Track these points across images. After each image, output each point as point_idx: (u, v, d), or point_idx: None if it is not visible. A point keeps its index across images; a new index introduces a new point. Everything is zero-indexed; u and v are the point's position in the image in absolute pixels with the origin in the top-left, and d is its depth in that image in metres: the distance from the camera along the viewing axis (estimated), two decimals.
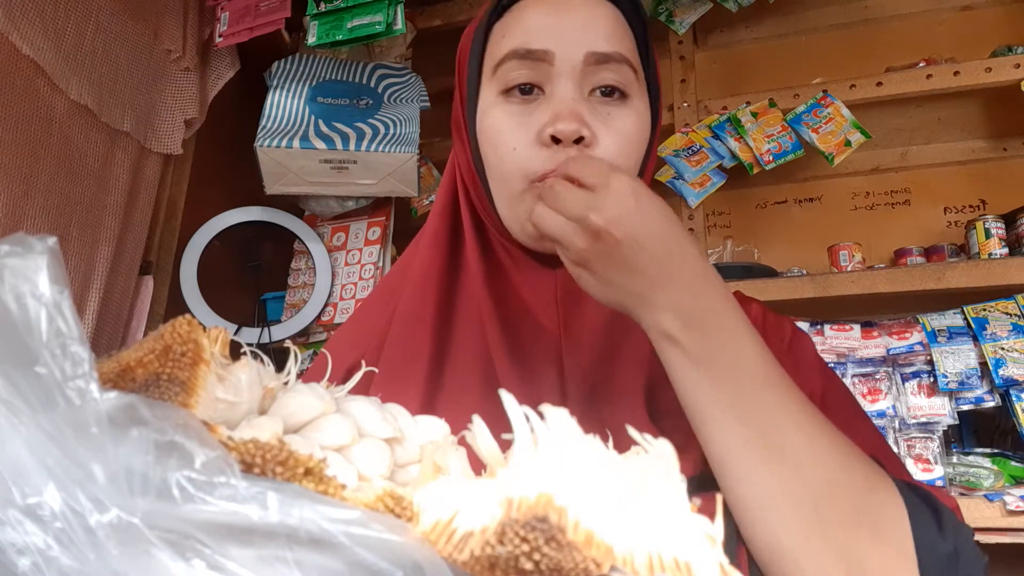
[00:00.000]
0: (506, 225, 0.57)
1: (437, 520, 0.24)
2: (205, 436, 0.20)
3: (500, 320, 0.56)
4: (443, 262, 0.60)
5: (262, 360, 0.31)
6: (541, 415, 0.26)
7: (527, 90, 0.56)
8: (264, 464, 0.22)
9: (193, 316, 0.29)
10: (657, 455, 0.26)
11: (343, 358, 0.59)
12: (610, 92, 0.56)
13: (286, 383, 0.32)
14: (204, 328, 0.29)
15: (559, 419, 0.26)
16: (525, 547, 0.22)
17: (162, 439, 0.19)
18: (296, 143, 1.39)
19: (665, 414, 0.53)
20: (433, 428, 0.34)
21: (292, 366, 0.31)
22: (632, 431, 0.28)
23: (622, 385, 0.54)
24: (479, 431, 0.28)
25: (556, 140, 0.53)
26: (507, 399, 0.27)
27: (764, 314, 0.63)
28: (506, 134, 0.55)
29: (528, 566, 0.22)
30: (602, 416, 0.52)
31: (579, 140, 0.53)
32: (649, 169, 0.60)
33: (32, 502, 0.18)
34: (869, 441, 0.53)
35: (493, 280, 0.58)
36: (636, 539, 0.23)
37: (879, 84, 1.49)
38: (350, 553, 0.20)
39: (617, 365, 0.55)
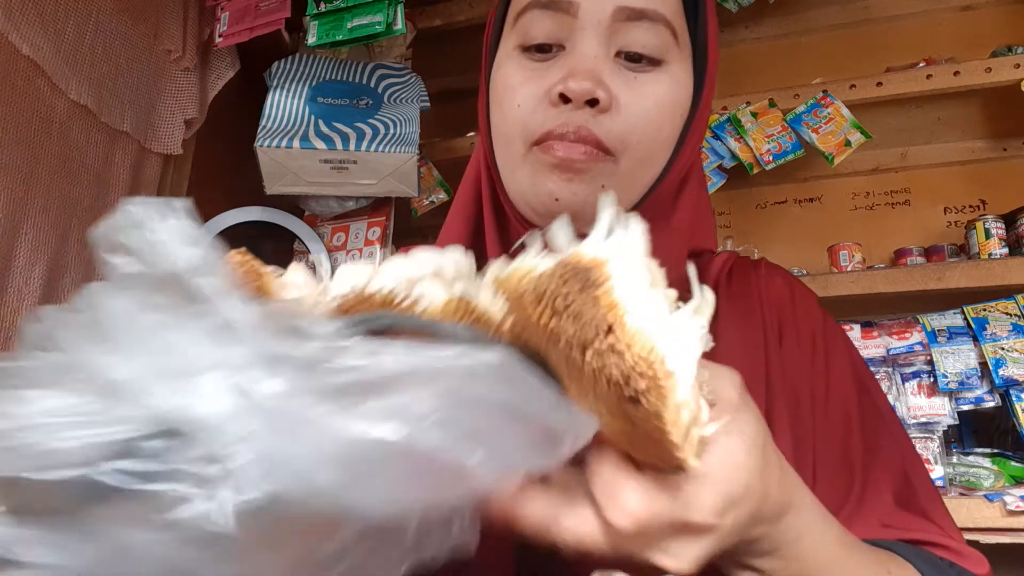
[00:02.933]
0: (509, 196, 0.52)
1: (515, 267, 0.28)
2: (314, 317, 0.25)
3: None
4: (465, 236, 0.56)
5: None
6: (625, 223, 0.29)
7: (547, 48, 0.50)
8: (374, 312, 0.28)
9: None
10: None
11: None
12: (639, 57, 0.49)
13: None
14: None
15: (638, 229, 0.28)
16: (564, 288, 0.25)
17: (287, 325, 0.24)
18: (296, 143, 1.39)
19: None
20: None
21: (327, 266, 0.36)
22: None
23: None
24: (559, 226, 0.29)
25: (566, 100, 0.47)
26: (605, 200, 0.29)
27: (792, 290, 0.57)
28: (515, 89, 0.50)
29: (559, 304, 0.26)
30: None
31: (594, 103, 0.46)
32: (689, 147, 0.53)
33: (201, 385, 0.22)
34: (901, 472, 0.51)
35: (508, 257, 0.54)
36: (663, 343, 0.26)
37: (879, 84, 1.49)
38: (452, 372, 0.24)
39: None
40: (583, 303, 0.25)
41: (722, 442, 0.31)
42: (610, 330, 0.25)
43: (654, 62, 0.49)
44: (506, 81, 0.51)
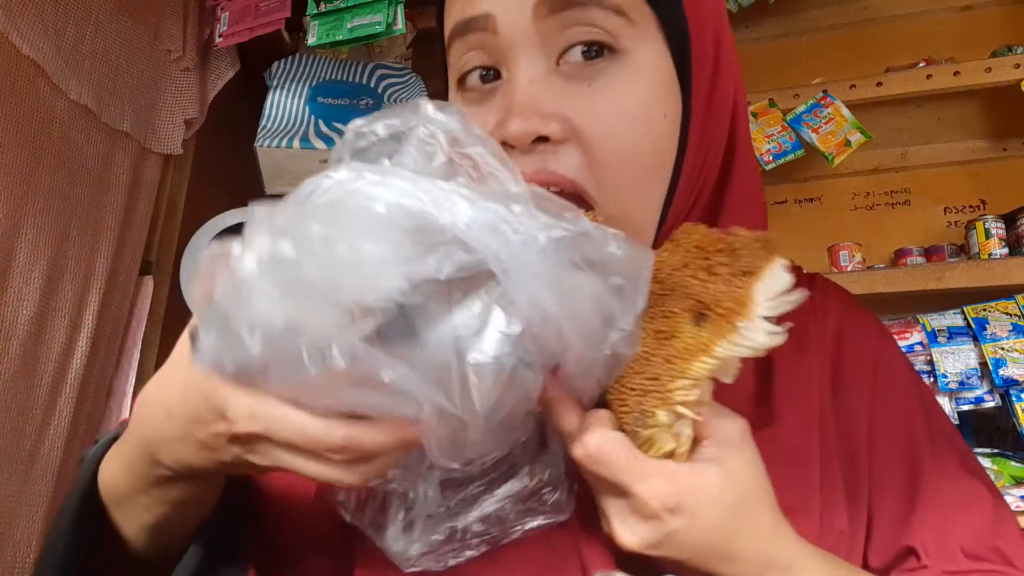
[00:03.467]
0: None
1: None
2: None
3: None
4: None
5: None
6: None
7: (487, 74, 0.43)
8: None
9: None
10: None
11: None
12: (588, 52, 0.40)
13: None
14: None
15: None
16: (749, 241, 0.35)
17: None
18: (296, 143, 1.39)
19: None
20: None
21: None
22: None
23: None
24: None
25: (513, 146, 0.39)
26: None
27: (850, 317, 0.51)
28: None
29: (735, 243, 0.35)
30: None
31: (544, 138, 0.39)
32: (695, 145, 0.42)
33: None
34: (982, 516, 0.46)
35: None
36: None
37: (879, 84, 1.49)
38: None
39: None
40: (754, 250, 0.34)
41: (702, 464, 0.34)
42: (747, 273, 0.33)
43: (608, 52, 0.40)
44: None
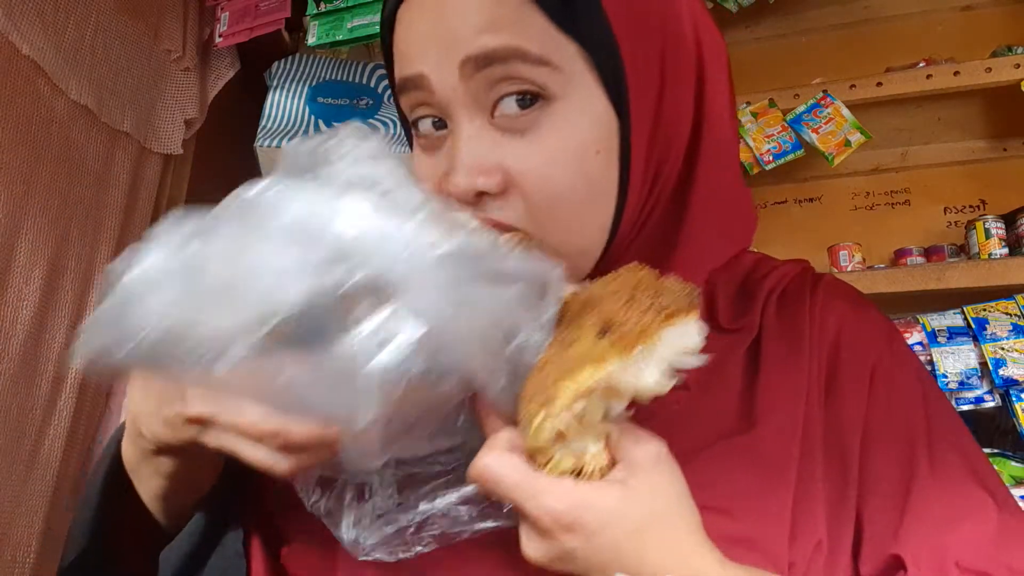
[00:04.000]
0: None
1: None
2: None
3: None
4: None
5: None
6: None
7: (438, 122, 0.45)
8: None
9: None
10: None
11: None
12: (524, 100, 0.41)
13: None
14: None
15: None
16: (666, 283, 0.36)
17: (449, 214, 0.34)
18: None
19: (712, 459, 0.46)
20: None
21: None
22: None
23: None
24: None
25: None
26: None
27: (856, 317, 0.50)
28: (420, 180, 0.46)
29: (659, 285, 0.36)
30: None
31: (487, 194, 0.42)
32: (639, 173, 0.44)
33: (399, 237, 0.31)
34: (985, 527, 0.44)
35: None
36: None
37: (879, 84, 1.49)
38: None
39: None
40: (677, 297, 0.35)
41: (604, 484, 0.35)
42: (659, 312, 0.33)
43: (540, 99, 0.41)
44: (416, 172, 0.47)
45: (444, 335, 0.30)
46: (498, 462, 0.35)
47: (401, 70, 0.45)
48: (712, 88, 0.49)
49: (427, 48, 0.42)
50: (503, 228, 0.42)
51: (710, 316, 0.49)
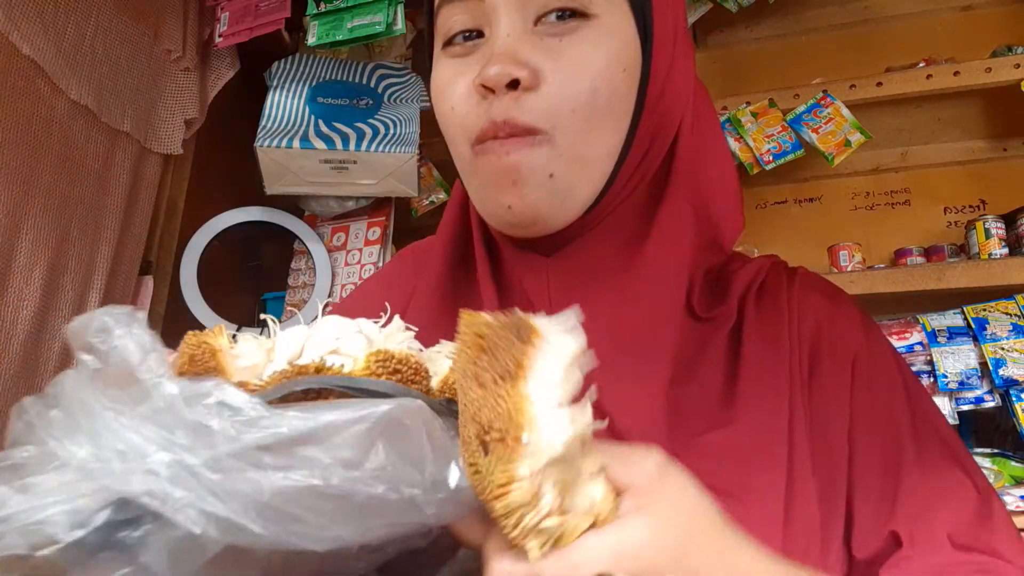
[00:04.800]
0: (475, 205, 0.51)
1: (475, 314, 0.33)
2: (236, 392, 0.28)
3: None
4: (454, 251, 0.56)
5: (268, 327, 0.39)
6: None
7: (470, 35, 0.48)
8: (280, 385, 0.31)
9: (199, 322, 0.36)
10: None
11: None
12: (562, 15, 0.45)
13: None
14: (204, 329, 0.36)
15: (578, 329, 0.33)
16: (501, 331, 0.30)
17: (213, 402, 0.28)
18: (296, 143, 1.39)
19: (690, 451, 0.45)
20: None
21: (276, 328, 0.39)
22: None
23: (640, 424, 0.45)
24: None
25: (490, 89, 0.44)
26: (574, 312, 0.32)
27: (832, 311, 0.53)
28: (444, 91, 0.48)
29: (491, 339, 0.30)
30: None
31: (516, 84, 0.44)
32: (651, 109, 0.47)
33: (149, 463, 0.26)
34: (965, 505, 0.46)
35: (496, 270, 0.53)
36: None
37: (879, 84, 1.49)
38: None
39: (629, 397, 0.46)
40: (508, 343, 0.30)
41: (624, 522, 0.31)
42: (506, 377, 0.29)
43: (579, 16, 0.45)
44: (437, 84, 0.49)
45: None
46: (511, 570, 0.30)
47: None
48: (701, 102, 0.53)
49: None
50: (524, 130, 0.44)
51: (687, 305, 0.50)
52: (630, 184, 0.49)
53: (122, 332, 0.31)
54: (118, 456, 0.27)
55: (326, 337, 0.36)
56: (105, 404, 0.28)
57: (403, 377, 0.33)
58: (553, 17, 0.45)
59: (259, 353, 0.35)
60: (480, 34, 0.47)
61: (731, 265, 0.55)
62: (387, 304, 0.44)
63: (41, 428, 0.29)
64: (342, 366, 0.33)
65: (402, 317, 0.40)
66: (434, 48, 0.51)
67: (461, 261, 0.56)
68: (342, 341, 0.35)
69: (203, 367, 0.33)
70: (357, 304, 0.65)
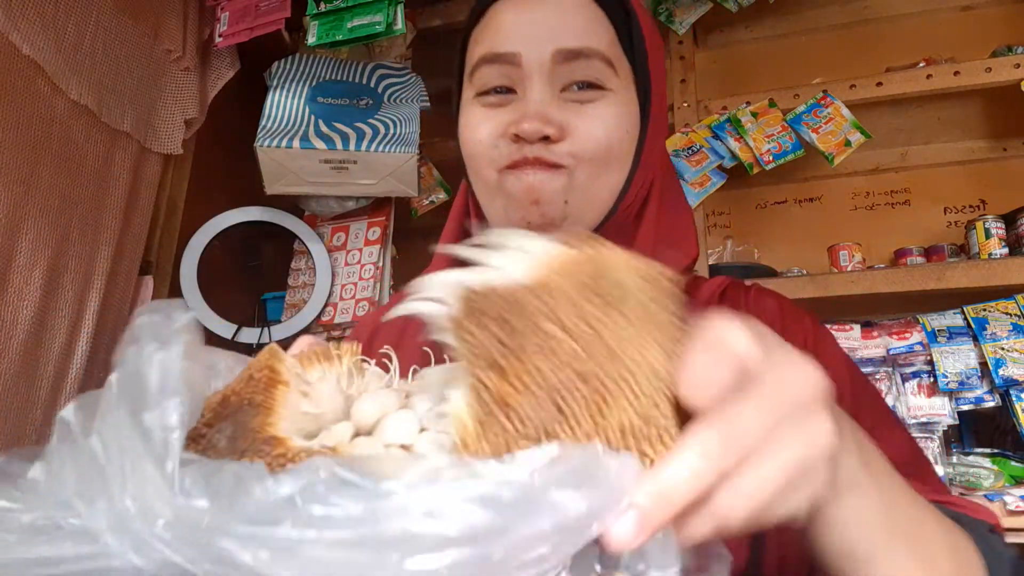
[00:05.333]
0: (490, 222, 0.59)
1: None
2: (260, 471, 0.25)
3: None
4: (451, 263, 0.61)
5: (363, 367, 0.35)
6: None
7: (502, 91, 0.57)
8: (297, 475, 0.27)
9: (275, 344, 0.33)
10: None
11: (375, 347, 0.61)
12: (584, 87, 0.56)
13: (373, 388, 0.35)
14: (328, 349, 0.34)
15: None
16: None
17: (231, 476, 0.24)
18: (296, 143, 1.39)
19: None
20: None
21: (368, 375, 0.35)
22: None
23: None
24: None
25: (522, 138, 0.54)
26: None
27: (782, 308, 0.62)
28: (476, 128, 0.57)
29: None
30: None
31: (545, 139, 0.54)
32: (645, 161, 0.59)
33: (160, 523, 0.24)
34: (902, 447, 0.54)
35: None
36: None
37: (879, 84, 1.49)
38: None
39: None
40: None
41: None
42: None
43: (596, 90, 0.56)
44: (468, 123, 0.58)
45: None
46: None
47: (495, 46, 0.56)
48: (668, 162, 0.66)
49: (526, 34, 0.55)
50: (550, 164, 0.54)
51: None
52: (625, 215, 0.60)
53: (152, 351, 0.27)
54: (119, 521, 0.25)
55: (408, 427, 0.31)
56: (120, 452, 0.26)
57: None
58: (576, 88, 0.55)
59: (335, 400, 0.32)
60: (511, 90, 0.57)
61: (693, 283, 0.66)
62: None
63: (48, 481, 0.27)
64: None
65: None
66: (462, 92, 0.61)
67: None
68: (423, 443, 0.30)
69: (250, 395, 0.30)
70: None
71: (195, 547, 0.23)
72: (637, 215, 0.61)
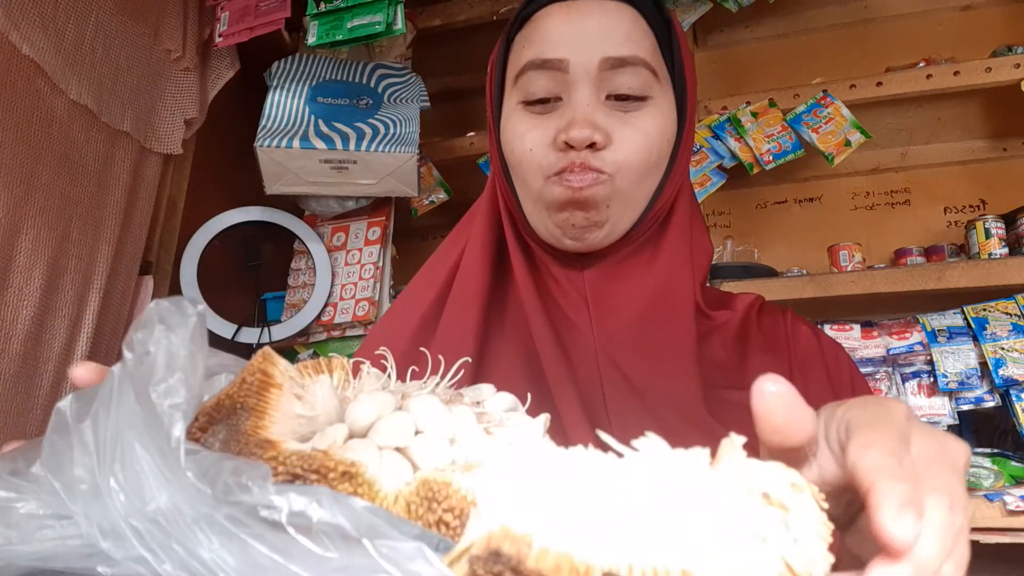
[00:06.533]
0: (532, 225, 0.60)
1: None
2: (244, 466, 0.25)
3: (544, 318, 0.58)
4: (488, 265, 0.62)
5: (355, 370, 0.34)
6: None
7: (546, 100, 0.58)
8: (304, 474, 0.27)
9: (270, 348, 0.32)
10: (651, 455, 0.25)
11: (394, 346, 0.59)
12: (627, 96, 0.57)
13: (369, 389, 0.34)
14: (321, 358, 0.33)
15: (531, 440, 0.29)
16: None
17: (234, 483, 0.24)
18: (296, 143, 1.39)
19: (720, 406, 0.55)
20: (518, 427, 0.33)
21: (364, 377, 0.34)
22: (604, 436, 0.26)
23: (675, 384, 0.55)
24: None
25: (570, 146, 0.55)
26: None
27: (820, 342, 0.64)
28: (524, 136, 0.58)
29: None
30: (657, 415, 0.54)
31: (592, 145, 0.55)
32: (679, 167, 0.62)
33: (150, 508, 0.24)
34: None
35: (535, 280, 0.61)
36: (631, 552, 0.22)
37: (879, 84, 1.49)
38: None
39: (662, 364, 0.56)
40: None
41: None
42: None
43: (640, 99, 0.57)
44: (515, 131, 0.59)
45: None
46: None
47: (543, 52, 0.58)
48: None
49: (574, 42, 0.56)
50: (595, 170, 0.55)
51: (695, 301, 0.60)
52: (655, 218, 0.61)
53: (160, 334, 0.27)
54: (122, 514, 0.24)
55: (403, 429, 0.30)
56: (134, 442, 0.25)
57: (445, 527, 0.27)
58: (617, 96, 0.57)
59: (328, 402, 0.31)
60: (557, 99, 0.58)
61: (723, 296, 0.68)
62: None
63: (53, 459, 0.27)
64: (373, 484, 0.28)
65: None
66: (504, 99, 0.62)
67: (497, 276, 0.64)
68: (418, 445, 0.30)
69: (243, 399, 0.29)
70: (395, 323, 0.69)
71: (172, 539, 0.23)
72: (664, 221, 0.62)
